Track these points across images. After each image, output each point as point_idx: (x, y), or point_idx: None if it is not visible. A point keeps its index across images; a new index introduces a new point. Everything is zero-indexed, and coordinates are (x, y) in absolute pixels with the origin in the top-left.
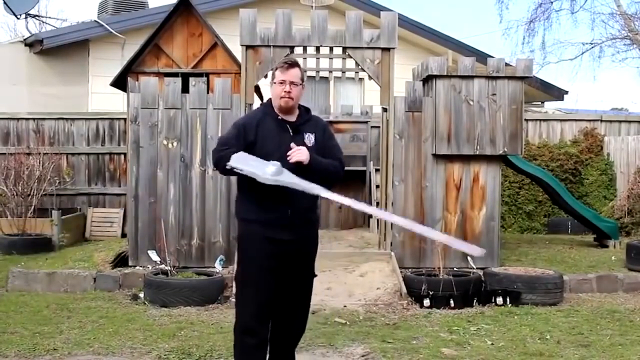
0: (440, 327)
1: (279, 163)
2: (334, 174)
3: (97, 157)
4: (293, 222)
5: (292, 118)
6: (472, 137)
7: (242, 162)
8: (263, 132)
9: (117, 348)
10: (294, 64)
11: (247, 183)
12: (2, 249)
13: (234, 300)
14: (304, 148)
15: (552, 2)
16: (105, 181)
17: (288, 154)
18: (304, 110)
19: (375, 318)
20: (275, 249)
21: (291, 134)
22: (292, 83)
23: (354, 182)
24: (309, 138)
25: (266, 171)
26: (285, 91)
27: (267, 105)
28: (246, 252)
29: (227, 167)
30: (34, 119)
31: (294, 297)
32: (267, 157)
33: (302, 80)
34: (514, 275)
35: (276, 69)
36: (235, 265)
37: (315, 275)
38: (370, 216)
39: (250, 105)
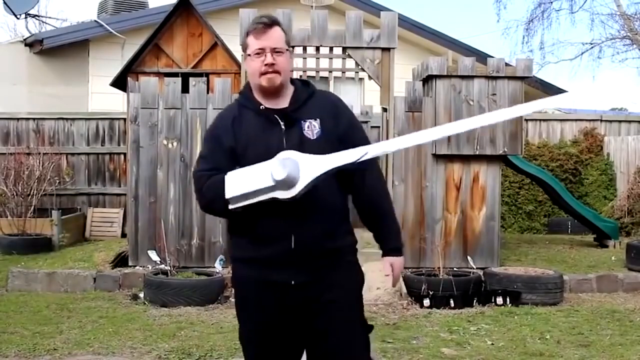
0: (440, 327)
1: (280, 156)
2: None
3: (97, 157)
4: (301, 256)
5: (284, 102)
6: (472, 137)
7: (239, 189)
8: (242, 133)
9: (117, 348)
10: (271, 23)
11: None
12: (2, 249)
13: (234, 300)
14: (395, 262)
15: (551, 2)
16: (105, 181)
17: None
18: (301, 86)
19: (375, 318)
20: (279, 298)
21: (283, 127)
22: (274, 50)
23: None
24: (311, 127)
25: (275, 179)
26: (266, 64)
27: (244, 93)
28: (242, 304)
29: (231, 208)
30: (34, 119)
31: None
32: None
33: (288, 44)
34: (514, 275)
35: (247, 34)
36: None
37: (370, 329)
38: None
39: None
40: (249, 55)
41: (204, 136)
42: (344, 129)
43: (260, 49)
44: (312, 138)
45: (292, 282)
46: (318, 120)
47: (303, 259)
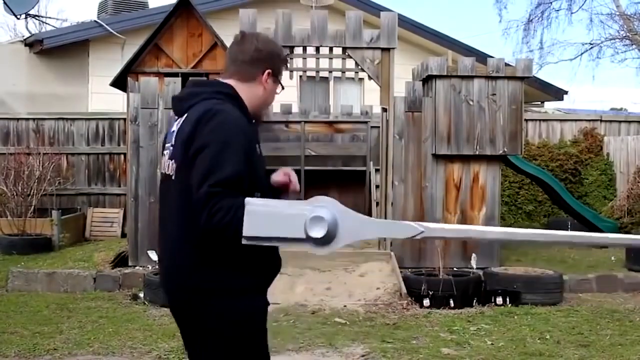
0: (440, 327)
1: (316, 203)
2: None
3: (97, 157)
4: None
5: None
6: (472, 137)
7: (261, 230)
8: (258, 160)
9: (117, 348)
10: None
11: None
12: (2, 249)
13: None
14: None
15: (551, 2)
16: (105, 181)
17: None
18: None
19: (375, 318)
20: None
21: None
22: None
23: (354, 183)
24: None
25: (310, 235)
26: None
27: (244, 108)
28: (258, 340)
29: (244, 243)
30: (34, 119)
31: None
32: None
33: None
34: (513, 275)
35: (285, 63)
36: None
37: None
38: (370, 214)
39: None
40: (276, 82)
41: (232, 138)
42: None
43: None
44: None
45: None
46: None
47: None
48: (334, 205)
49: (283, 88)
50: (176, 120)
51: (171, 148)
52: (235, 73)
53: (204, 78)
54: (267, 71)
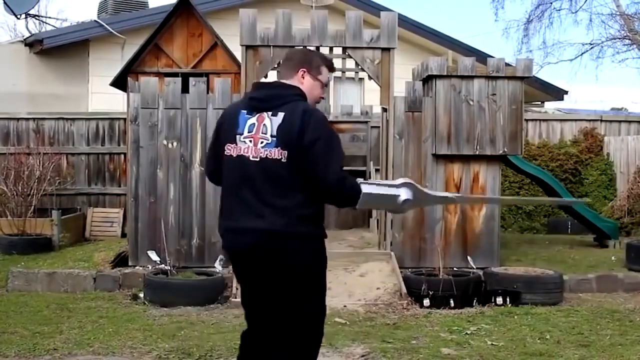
0: (440, 327)
1: (407, 182)
2: None
3: (97, 157)
4: None
5: None
6: (472, 137)
7: (369, 205)
8: None
9: (117, 348)
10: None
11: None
12: (2, 249)
13: (234, 300)
14: None
15: (552, 2)
16: (105, 181)
17: None
18: None
19: (375, 318)
20: None
21: None
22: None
23: None
24: None
25: (400, 200)
26: (321, 97)
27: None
28: (324, 275)
29: (357, 205)
30: (34, 119)
31: None
32: None
33: None
34: (514, 275)
35: (325, 63)
36: (314, 302)
37: None
38: (370, 216)
39: None
40: (319, 81)
41: (333, 131)
42: None
43: (326, 82)
44: None
45: None
46: None
47: None
48: (412, 185)
49: (326, 85)
50: (251, 115)
51: (271, 138)
52: (283, 76)
53: (204, 78)
54: (301, 70)
